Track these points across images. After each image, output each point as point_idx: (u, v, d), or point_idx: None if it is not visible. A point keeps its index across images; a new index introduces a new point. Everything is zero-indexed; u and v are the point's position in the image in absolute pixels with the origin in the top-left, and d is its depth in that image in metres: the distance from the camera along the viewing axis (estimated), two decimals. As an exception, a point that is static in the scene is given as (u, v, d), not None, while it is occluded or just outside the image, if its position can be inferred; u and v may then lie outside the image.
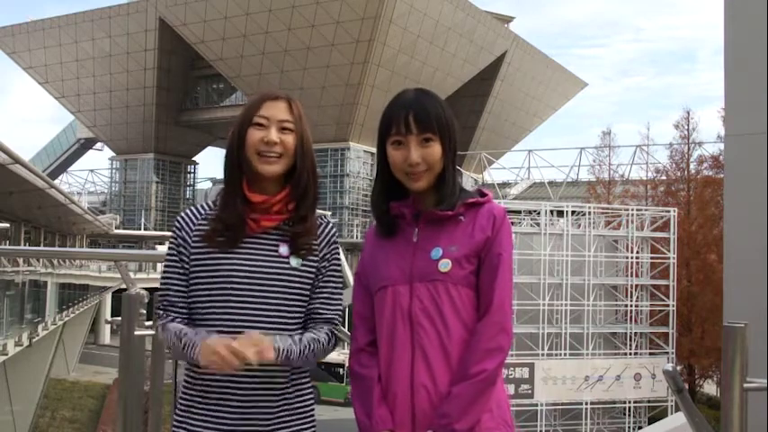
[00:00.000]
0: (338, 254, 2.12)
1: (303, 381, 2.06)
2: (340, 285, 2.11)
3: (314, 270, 2.03)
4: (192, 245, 2.01)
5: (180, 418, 2.00)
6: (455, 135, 2.02)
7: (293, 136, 2.01)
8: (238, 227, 1.98)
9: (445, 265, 1.94)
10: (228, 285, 1.96)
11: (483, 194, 2.06)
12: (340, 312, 2.10)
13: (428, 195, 2.02)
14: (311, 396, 2.08)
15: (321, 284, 2.05)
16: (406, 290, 1.96)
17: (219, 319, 1.96)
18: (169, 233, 2.11)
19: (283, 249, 2.00)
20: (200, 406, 1.97)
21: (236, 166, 2.01)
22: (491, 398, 1.91)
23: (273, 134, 1.98)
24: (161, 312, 2.03)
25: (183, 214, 2.07)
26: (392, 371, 1.96)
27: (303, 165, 2.02)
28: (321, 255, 2.06)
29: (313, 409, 2.08)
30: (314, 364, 2.07)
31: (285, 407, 2.00)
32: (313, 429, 2.07)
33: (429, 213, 1.99)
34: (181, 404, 2.01)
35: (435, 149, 1.98)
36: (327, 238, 2.09)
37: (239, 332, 1.90)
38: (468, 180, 60.59)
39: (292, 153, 2.01)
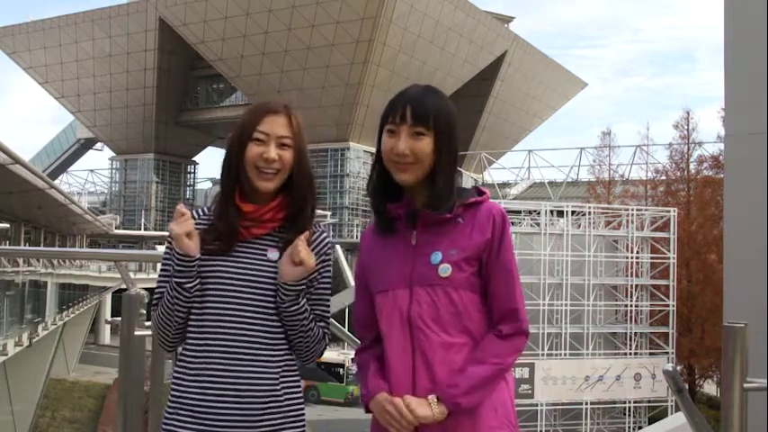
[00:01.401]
0: (329, 266, 2.14)
1: (293, 381, 2.07)
2: (329, 290, 2.14)
3: (303, 292, 2.04)
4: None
5: (169, 417, 2.02)
6: (455, 135, 2.00)
7: (291, 152, 2.05)
8: (231, 236, 2.03)
9: (445, 270, 1.94)
10: (220, 289, 2.00)
11: (480, 193, 2.04)
12: (329, 313, 2.14)
13: (420, 192, 2.00)
14: (301, 397, 2.09)
15: (312, 291, 2.08)
16: (406, 294, 1.96)
17: (212, 321, 2.00)
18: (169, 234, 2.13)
19: (272, 255, 2.04)
20: (187, 403, 1.99)
21: (233, 176, 2.05)
22: (496, 389, 1.94)
23: (272, 152, 2.02)
24: (156, 306, 2.07)
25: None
26: (393, 374, 1.95)
27: (300, 179, 2.06)
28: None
29: (303, 411, 2.08)
30: (308, 350, 2.07)
31: (273, 406, 2.00)
32: (302, 430, 2.07)
33: (426, 216, 1.97)
34: (170, 404, 2.03)
35: (426, 143, 1.96)
36: (319, 249, 2.09)
37: (230, 335, 1.98)
38: (468, 180, 60.59)
39: (289, 168, 2.05)
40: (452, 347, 1.92)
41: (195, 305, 2.02)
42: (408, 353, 1.94)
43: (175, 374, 2.04)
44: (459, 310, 1.94)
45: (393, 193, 2.04)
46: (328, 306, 2.14)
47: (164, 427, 2.02)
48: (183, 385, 2.00)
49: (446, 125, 1.98)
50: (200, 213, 2.13)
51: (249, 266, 2.02)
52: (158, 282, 2.09)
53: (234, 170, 2.05)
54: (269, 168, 2.02)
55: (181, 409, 1.99)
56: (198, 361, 1.99)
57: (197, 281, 2.00)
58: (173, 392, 2.03)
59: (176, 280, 1.97)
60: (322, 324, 2.09)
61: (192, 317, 2.03)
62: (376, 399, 1.94)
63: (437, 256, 1.95)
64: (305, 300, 2.03)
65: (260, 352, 1.99)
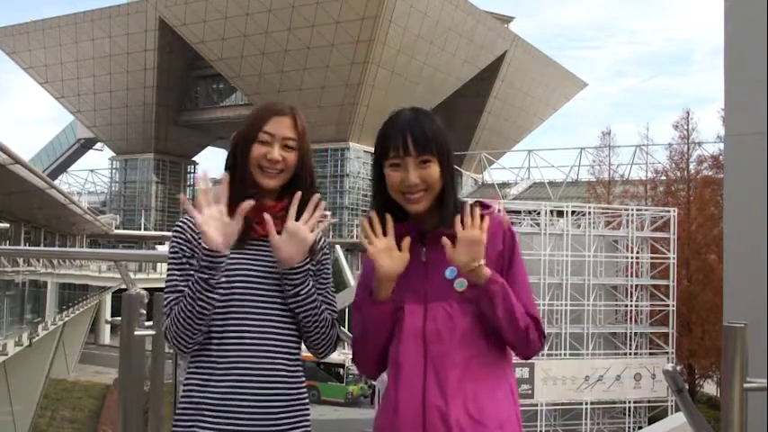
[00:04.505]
0: (328, 255, 2.17)
1: (303, 380, 2.09)
2: (330, 276, 2.16)
3: (310, 273, 2.07)
4: (198, 246, 2.03)
5: (187, 415, 1.99)
6: (452, 153, 2.01)
7: (295, 153, 2.07)
8: (245, 230, 2.02)
9: (461, 285, 1.93)
10: (247, 287, 2.01)
11: (485, 206, 2.01)
12: (334, 299, 2.15)
13: (429, 216, 1.99)
14: (307, 395, 2.10)
15: (319, 286, 2.10)
16: (420, 309, 1.95)
17: (239, 319, 2.00)
18: (169, 233, 2.13)
19: None
20: (212, 402, 1.97)
21: (239, 177, 2.06)
22: (502, 402, 1.92)
23: (276, 152, 2.04)
24: (167, 310, 1.99)
25: (186, 219, 2.08)
26: (401, 390, 1.93)
27: (302, 180, 2.08)
28: (316, 258, 2.11)
29: (309, 410, 2.09)
30: (323, 336, 2.06)
31: (293, 404, 2.02)
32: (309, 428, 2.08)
33: (437, 232, 1.95)
34: (189, 402, 2.00)
35: (434, 170, 1.95)
36: (320, 243, 2.13)
37: (257, 332, 1.98)
38: (468, 180, 60.60)
39: (292, 169, 2.07)
40: (467, 362, 1.91)
41: (218, 301, 1.99)
42: (420, 369, 1.92)
43: (196, 373, 2.00)
44: (473, 325, 1.93)
45: (394, 215, 2.01)
46: (332, 292, 2.14)
47: (180, 425, 1.99)
48: (209, 383, 1.97)
49: (446, 147, 1.98)
50: None
51: (267, 263, 2.04)
52: (169, 281, 2.03)
53: (238, 169, 2.06)
54: (272, 168, 2.04)
55: (204, 407, 1.96)
56: (225, 359, 1.98)
57: (221, 277, 1.94)
58: (193, 390, 1.99)
59: (201, 275, 1.90)
60: (329, 308, 2.09)
61: (216, 314, 1.98)
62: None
63: (452, 271, 1.94)
64: (312, 281, 2.04)
65: (283, 350, 2.01)
